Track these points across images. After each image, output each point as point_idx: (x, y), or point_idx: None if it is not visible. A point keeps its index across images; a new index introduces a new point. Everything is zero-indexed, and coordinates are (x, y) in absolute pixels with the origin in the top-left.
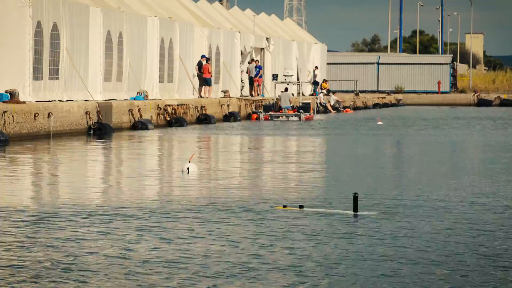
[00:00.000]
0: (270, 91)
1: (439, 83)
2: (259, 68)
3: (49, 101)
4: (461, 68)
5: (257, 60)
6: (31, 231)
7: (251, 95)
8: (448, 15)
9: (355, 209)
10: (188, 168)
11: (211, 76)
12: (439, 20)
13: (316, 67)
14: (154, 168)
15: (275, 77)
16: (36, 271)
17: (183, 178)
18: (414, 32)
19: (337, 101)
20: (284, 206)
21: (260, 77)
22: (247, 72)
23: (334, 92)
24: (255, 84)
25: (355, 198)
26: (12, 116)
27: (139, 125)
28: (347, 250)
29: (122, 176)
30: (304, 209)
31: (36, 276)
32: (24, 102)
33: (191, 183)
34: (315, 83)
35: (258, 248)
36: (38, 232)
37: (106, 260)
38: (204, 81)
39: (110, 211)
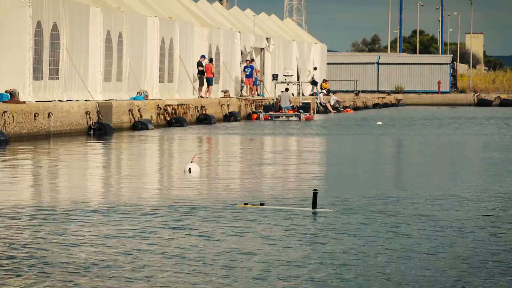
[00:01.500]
0: (270, 91)
1: (439, 83)
2: (251, 68)
3: (49, 101)
4: (461, 68)
5: (247, 60)
6: (62, 229)
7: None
8: (448, 15)
9: (314, 206)
10: (190, 168)
11: (213, 76)
12: (439, 20)
13: (315, 68)
14: (156, 168)
15: (275, 77)
16: (87, 265)
17: (186, 178)
18: (414, 32)
19: (337, 101)
20: (245, 204)
21: (251, 77)
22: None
23: (334, 92)
24: (246, 85)
25: (315, 195)
26: (12, 116)
27: (139, 125)
28: (376, 247)
29: (126, 176)
30: (265, 206)
31: (86, 270)
32: (24, 102)
33: (194, 183)
34: (313, 83)
35: (288, 247)
36: (67, 230)
37: (145, 257)
38: (206, 81)
39: (126, 210)
